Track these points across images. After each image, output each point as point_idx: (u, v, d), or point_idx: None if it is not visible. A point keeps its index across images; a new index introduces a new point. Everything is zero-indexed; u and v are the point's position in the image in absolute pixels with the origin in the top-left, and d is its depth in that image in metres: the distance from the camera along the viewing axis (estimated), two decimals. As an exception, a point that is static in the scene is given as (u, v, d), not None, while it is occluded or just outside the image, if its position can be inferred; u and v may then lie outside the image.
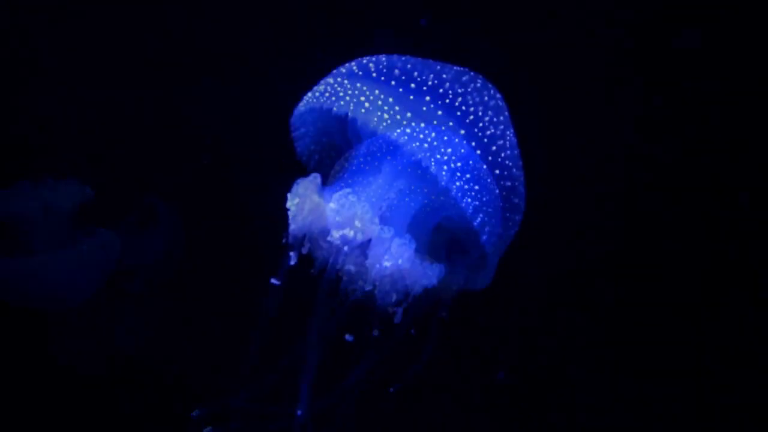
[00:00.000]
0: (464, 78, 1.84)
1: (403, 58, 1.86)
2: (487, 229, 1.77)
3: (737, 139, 2.51)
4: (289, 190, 1.93)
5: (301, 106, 1.96)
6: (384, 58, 1.86)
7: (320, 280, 1.97)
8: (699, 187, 2.57)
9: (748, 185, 2.53)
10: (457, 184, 1.72)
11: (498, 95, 1.89)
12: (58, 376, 2.60)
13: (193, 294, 2.69)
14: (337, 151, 2.12)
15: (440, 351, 2.69)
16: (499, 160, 1.79)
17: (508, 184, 1.81)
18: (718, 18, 2.43)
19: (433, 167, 1.71)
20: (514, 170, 1.83)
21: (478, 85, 1.85)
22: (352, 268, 1.92)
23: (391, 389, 2.25)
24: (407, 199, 1.88)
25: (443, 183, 1.72)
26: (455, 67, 1.87)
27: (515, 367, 2.68)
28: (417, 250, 1.84)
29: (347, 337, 1.89)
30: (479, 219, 1.75)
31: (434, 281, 1.88)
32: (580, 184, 2.60)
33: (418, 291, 1.88)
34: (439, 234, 2.07)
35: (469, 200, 1.72)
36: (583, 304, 2.66)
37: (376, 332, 1.96)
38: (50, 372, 2.60)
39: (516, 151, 1.87)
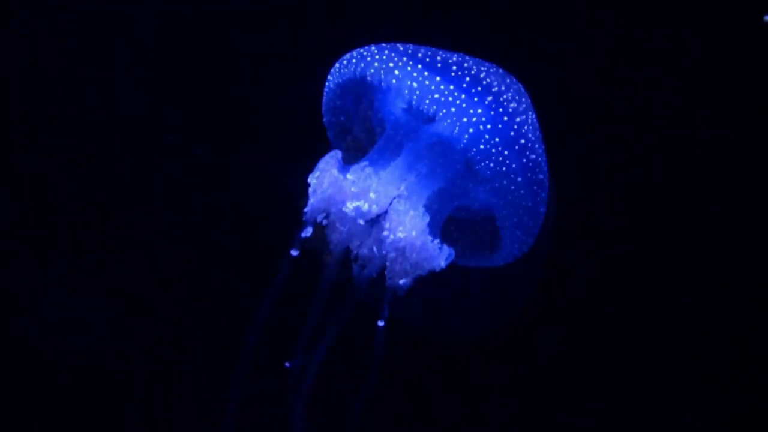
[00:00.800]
0: (486, 64, 1.92)
1: (426, 47, 1.92)
2: (511, 192, 1.81)
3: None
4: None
5: (332, 80, 2.01)
6: (409, 45, 1.92)
7: (332, 263, 1.98)
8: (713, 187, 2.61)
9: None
10: (481, 146, 1.77)
11: (519, 84, 1.96)
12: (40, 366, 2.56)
13: (194, 289, 2.67)
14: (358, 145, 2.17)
15: (442, 347, 2.69)
16: (523, 131, 1.83)
17: (533, 157, 1.84)
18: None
19: (457, 129, 1.77)
20: (537, 146, 1.86)
21: (500, 71, 1.93)
22: (365, 251, 1.93)
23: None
24: (426, 181, 1.90)
25: (464, 144, 1.77)
26: (475, 58, 1.94)
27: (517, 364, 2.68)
28: (430, 229, 1.87)
29: (379, 323, 1.90)
30: (501, 183, 1.79)
31: (443, 264, 1.90)
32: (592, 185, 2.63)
33: (425, 272, 1.90)
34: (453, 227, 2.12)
35: (492, 164, 1.76)
36: (585, 305, 2.68)
37: (385, 315, 1.96)
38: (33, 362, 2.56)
39: (538, 133, 1.91)
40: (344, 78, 1.95)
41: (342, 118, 2.11)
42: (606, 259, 2.66)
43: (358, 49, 1.92)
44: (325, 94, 2.07)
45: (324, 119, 2.14)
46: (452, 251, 1.93)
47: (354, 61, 1.90)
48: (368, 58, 1.87)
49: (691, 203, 2.62)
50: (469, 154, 1.79)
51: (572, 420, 2.68)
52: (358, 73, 1.89)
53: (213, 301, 2.65)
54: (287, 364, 1.99)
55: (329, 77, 2.02)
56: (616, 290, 2.67)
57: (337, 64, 1.98)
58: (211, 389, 2.47)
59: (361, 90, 2.01)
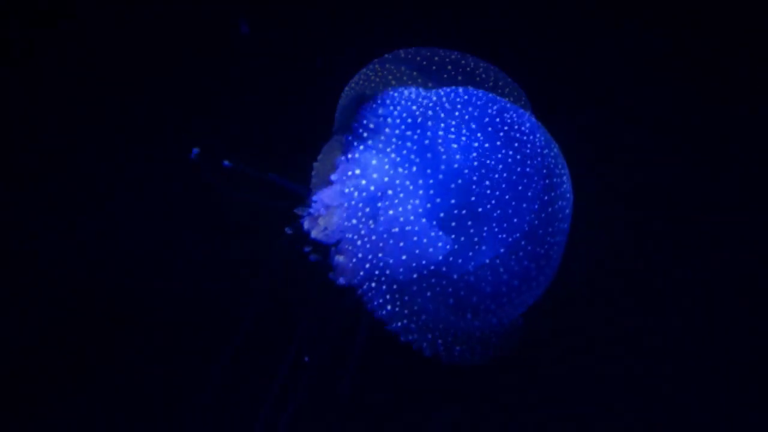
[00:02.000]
0: (485, 63, 1.95)
1: (425, 48, 1.96)
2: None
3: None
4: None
5: (343, 98, 2.07)
6: (411, 49, 1.96)
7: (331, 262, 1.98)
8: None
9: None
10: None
11: (516, 84, 1.96)
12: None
13: (193, 289, 2.67)
14: None
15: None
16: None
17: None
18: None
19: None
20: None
21: (497, 70, 1.95)
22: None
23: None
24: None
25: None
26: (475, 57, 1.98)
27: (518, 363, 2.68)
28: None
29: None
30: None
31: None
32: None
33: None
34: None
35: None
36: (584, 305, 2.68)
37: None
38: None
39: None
40: (354, 94, 2.02)
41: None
42: (605, 259, 2.67)
43: (362, 71, 1.98)
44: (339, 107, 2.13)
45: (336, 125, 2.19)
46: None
47: (361, 82, 1.98)
48: (372, 77, 1.95)
49: (692, 203, 2.63)
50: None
51: (571, 420, 2.68)
52: (361, 92, 1.97)
53: (212, 301, 2.66)
54: (285, 363, 1.99)
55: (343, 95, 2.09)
56: (615, 291, 2.68)
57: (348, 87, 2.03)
58: (210, 389, 2.48)
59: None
